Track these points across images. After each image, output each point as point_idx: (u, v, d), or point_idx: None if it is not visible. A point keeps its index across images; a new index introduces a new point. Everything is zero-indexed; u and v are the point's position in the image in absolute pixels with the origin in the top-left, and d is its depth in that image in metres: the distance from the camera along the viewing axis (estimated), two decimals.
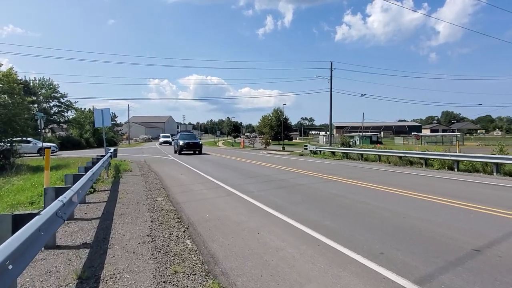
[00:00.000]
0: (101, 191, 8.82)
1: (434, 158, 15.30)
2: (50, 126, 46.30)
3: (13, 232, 2.85)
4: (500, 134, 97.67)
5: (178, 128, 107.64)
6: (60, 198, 4.10)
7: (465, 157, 13.82)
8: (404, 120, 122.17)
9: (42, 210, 3.48)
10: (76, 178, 6.43)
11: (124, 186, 9.59)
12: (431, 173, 12.90)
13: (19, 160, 16.46)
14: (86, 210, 6.49)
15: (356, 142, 42.98)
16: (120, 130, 68.37)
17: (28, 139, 22.46)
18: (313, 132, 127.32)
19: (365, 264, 3.63)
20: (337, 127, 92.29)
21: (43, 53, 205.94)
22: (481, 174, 12.90)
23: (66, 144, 36.96)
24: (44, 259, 3.95)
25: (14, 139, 16.29)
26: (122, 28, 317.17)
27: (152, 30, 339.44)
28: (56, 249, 4.27)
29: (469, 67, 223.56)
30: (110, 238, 4.75)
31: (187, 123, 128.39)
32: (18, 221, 3.21)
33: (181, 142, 24.50)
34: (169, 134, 59.71)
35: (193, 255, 4.08)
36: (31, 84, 42.21)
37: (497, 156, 13.12)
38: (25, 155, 20.61)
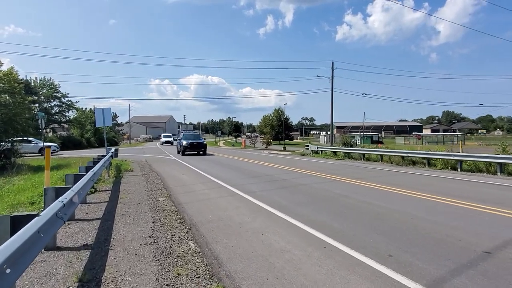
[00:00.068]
0: (102, 191, 8.73)
1: (437, 158, 15.17)
2: (51, 126, 46.28)
3: (12, 234, 2.76)
4: (501, 134, 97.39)
5: (179, 128, 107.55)
6: (60, 198, 4.01)
7: (469, 157, 13.70)
8: (405, 120, 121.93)
9: (41, 211, 3.39)
10: (77, 178, 6.35)
11: (125, 186, 9.50)
12: (434, 173, 12.78)
13: (20, 160, 16.39)
14: (87, 211, 6.40)
15: (357, 142, 42.84)
16: (121, 130, 68.30)
17: (29, 138, 22.39)
18: (313, 132, 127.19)
19: (374, 266, 3.53)
20: (338, 127, 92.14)
21: (44, 52, 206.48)
22: (485, 174, 12.78)
23: (67, 144, 36.93)
24: (44, 261, 3.86)
25: (15, 138, 16.23)
26: (122, 28, 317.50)
27: (153, 30, 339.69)
28: (57, 251, 4.18)
29: (470, 67, 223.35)
30: (112, 239, 4.66)
31: (188, 123, 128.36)
32: (17, 223, 3.12)
33: (184, 142, 23.56)
34: (170, 134, 59.49)
35: (196, 257, 3.98)
36: (32, 84, 42.16)
37: (501, 156, 12.99)
38: (26, 155, 20.55)
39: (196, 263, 3.78)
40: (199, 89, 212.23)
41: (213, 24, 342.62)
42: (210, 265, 3.74)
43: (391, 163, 17.35)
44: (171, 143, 49.14)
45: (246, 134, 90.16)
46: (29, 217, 3.15)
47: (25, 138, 19.51)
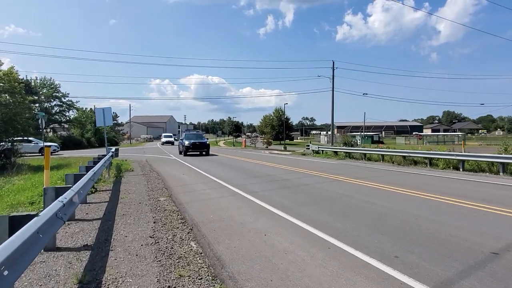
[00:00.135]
0: (102, 191, 8.67)
1: (439, 158, 15.10)
2: (51, 126, 46.23)
3: (10, 235, 2.70)
4: (502, 134, 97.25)
5: (179, 128, 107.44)
6: (60, 198, 3.94)
7: (471, 156, 13.62)
8: (406, 120, 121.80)
9: (40, 211, 3.32)
10: (77, 177, 6.28)
11: (126, 186, 9.44)
12: (436, 173, 12.71)
13: (20, 159, 16.35)
14: (87, 211, 6.34)
15: (358, 142, 42.76)
16: (122, 130, 68.28)
17: (30, 138, 22.34)
18: (314, 132, 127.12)
19: (380, 268, 3.46)
20: (338, 127, 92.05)
21: (45, 52, 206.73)
22: (488, 174, 12.70)
23: (68, 143, 36.92)
24: (44, 261, 3.79)
25: (15, 138, 16.18)
26: (123, 28, 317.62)
27: (153, 30, 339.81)
28: (56, 251, 4.12)
29: (470, 67, 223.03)
30: (112, 239, 4.59)
31: (188, 123, 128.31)
32: (16, 223, 3.05)
33: (186, 142, 22.61)
34: (171, 134, 59.26)
35: (198, 258, 3.91)
36: (33, 84, 42.12)
37: (503, 156, 12.92)
38: (27, 154, 20.51)
39: (198, 264, 3.72)
40: (200, 89, 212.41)
41: (213, 24, 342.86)
42: (213, 266, 3.67)
43: (393, 163, 17.28)
44: (172, 143, 48.96)
45: (247, 134, 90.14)
46: (28, 217, 3.09)
47: (25, 138, 19.46)
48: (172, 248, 4.27)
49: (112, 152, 14.08)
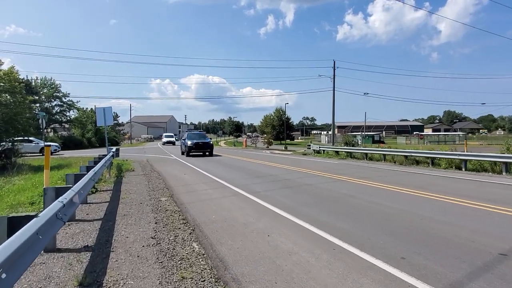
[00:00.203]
0: (103, 191, 8.61)
1: (441, 158, 15.01)
2: (52, 126, 46.20)
3: (9, 236, 2.63)
4: (502, 133, 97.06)
5: (180, 128, 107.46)
6: (60, 198, 3.87)
7: (474, 156, 13.53)
8: (406, 120, 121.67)
9: (40, 212, 3.25)
10: (77, 177, 6.21)
11: (127, 186, 9.38)
12: (439, 173, 12.62)
13: (20, 159, 16.29)
14: (88, 211, 6.27)
15: (358, 141, 42.70)
16: (122, 129, 68.27)
17: (30, 138, 22.30)
18: (314, 131, 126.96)
19: (387, 270, 3.38)
20: (339, 127, 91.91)
21: (45, 52, 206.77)
22: (490, 173, 12.61)
23: (68, 143, 36.87)
24: (44, 263, 3.73)
25: (16, 138, 16.12)
26: (123, 28, 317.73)
27: (153, 30, 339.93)
28: (56, 252, 4.05)
29: (471, 67, 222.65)
30: (113, 240, 4.52)
31: (189, 123, 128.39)
32: (15, 224, 2.98)
33: (189, 143, 21.78)
34: (172, 134, 59.02)
35: (200, 259, 3.84)
36: (33, 84, 42.10)
37: (506, 155, 12.83)
38: (27, 154, 20.47)
39: (201, 266, 3.64)
40: (200, 89, 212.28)
41: (213, 24, 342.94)
42: (216, 268, 3.60)
43: (394, 162, 17.19)
44: (173, 143, 48.73)
45: (247, 134, 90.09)
46: (28, 218, 3.02)
47: (26, 138, 19.41)
48: (174, 249, 4.20)
49: (113, 152, 14.02)
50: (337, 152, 23.39)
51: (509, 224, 5.20)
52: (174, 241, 4.51)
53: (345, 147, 24.17)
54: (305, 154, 26.43)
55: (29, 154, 21.73)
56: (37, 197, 7.16)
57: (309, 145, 28.72)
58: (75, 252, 4.08)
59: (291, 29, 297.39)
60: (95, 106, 47.50)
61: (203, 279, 3.30)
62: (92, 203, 7.03)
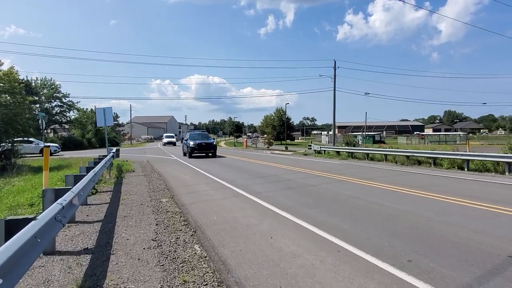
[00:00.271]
0: (103, 192, 8.53)
1: (443, 158, 14.93)
2: (52, 127, 46.14)
3: (7, 239, 2.55)
4: (503, 133, 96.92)
5: (180, 128, 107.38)
6: (59, 200, 3.80)
7: (476, 156, 13.44)
8: (407, 120, 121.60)
9: (38, 215, 3.17)
10: (77, 178, 6.14)
11: (127, 187, 9.30)
12: (441, 173, 12.53)
13: (20, 160, 16.22)
14: (87, 212, 6.20)
15: (359, 141, 42.63)
16: (122, 130, 68.21)
17: (30, 139, 22.22)
18: (315, 132, 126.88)
19: (394, 273, 3.30)
20: (339, 127, 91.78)
21: (45, 52, 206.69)
22: (493, 173, 12.52)
23: (68, 144, 36.82)
24: (43, 266, 3.65)
25: (16, 139, 16.05)
26: (123, 28, 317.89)
27: (153, 30, 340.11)
28: (56, 255, 3.98)
29: (471, 67, 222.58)
30: (113, 242, 4.44)
31: (189, 123, 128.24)
32: (12, 227, 2.91)
33: (191, 143, 21.05)
34: (173, 134, 58.73)
35: (202, 262, 3.76)
36: (33, 84, 42.04)
37: (509, 155, 12.73)
38: (27, 155, 20.40)
39: (203, 269, 3.56)
40: (200, 89, 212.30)
41: (213, 24, 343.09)
42: (218, 271, 3.52)
43: (396, 162, 17.11)
44: (174, 143, 48.50)
45: (248, 134, 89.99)
46: (26, 221, 2.95)
47: (26, 139, 19.34)
48: (175, 251, 4.12)
49: (113, 152, 13.95)
50: (338, 152, 23.31)
51: None
52: (176, 243, 4.43)
53: (346, 147, 24.08)
54: (306, 155, 26.34)
55: (29, 155, 21.65)
56: (36, 198, 7.08)
57: (310, 145, 28.64)
58: (75, 254, 4.00)
59: (291, 29, 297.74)
60: (95, 106, 47.56)
61: (205, 283, 3.22)
62: (92, 204, 6.96)
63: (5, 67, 17.42)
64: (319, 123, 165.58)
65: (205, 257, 3.94)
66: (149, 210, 6.38)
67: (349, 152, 21.95)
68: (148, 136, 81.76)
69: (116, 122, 58.56)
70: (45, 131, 25.52)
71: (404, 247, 4.09)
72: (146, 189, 8.94)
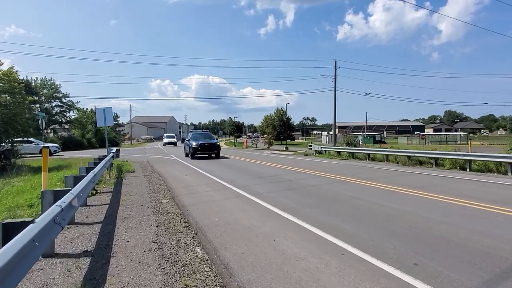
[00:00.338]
0: (103, 192, 8.46)
1: (445, 158, 14.85)
2: (52, 127, 46.06)
3: (4, 243, 2.48)
4: (504, 133, 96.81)
5: (180, 129, 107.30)
6: (58, 203, 3.72)
7: (478, 156, 13.36)
8: (407, 120, 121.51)
9: (37, 218, 3.10)
10: (77, 179, 6.07)
11: (127, 188, 9.23)
12: (443, 173, 12.46)
13: (20, 160, 16.15)
14: (87, 214, 6.13)
15: (360, 141, 42.54)
16: (122, 130, 68.11)
17: (30, 139, 22.16)
18: (315, 132, 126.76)
19: (400, 277, 3.23)
20: (339, 127, 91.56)
21: (45, 52, 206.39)
22: (496, 174, 12.45)
23: (68, 144, 36.75)
24: (41, 269, 3.58)
25: (15, 139, 15.98)
26: (123, 28, 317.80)
27: (153, 30, 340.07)
28: (55, 258, 3.91)
29: (472, 66, 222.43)
30: (113, 245, 4.37)
31: (189, 123, 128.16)
32: (10, 230, 2.83)
33: (194, 144, 20.10)
34: (174, 134, 58.19)
35: (204, 266, 3.69)
36: (33, 84, 41.96)
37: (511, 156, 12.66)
38: (27, 155, 20.33)
39: (205, 273, 3.49)
40: (200, 89, 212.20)
41: (213, 24, 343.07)
42: (220, 275, 3.45)
43: (397, 163, 17.03)
44: (174, 143, 48.11)
45: (248, 134, 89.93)
46: (24, 224, 2.87)
47: (25, 139, 19.27)
48: (176, 254, 4.05)
49: (113, 153, 13.89)
50: (339, 152, 23.23)
51: None
52: (177, 245, 4.36)
53: (347, 148, 24.01)
54: (306, 155, 26.27)
55: (29, 155, 21.59)
56: (36, 199, 7.01)
57: (311, 146, 28.57)
58: (74, 257, 3.93)
59: (292, 29, 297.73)
60: (95, 106, 47.49)
61: (207, 287, 3.15)
62: (92, 205, 6.89)
63: (5, 67, 17.37)
64: (319, 123, 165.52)
65: (207, 260, 3.86)
66: (150, 211, 6.31)
67: (350, 152, 21.87)
68: (148, 136, 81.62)
69: (116, 122, 58.48)
70: (45, 131, 25.46)
71: (409, 250, 4.02)
72: (147, 190, 8.86)
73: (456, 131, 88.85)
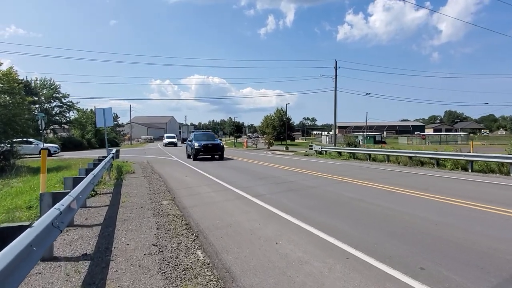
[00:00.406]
0: (103, 194, 8.39)
1: (446, 158, 14.78)
2: (51, 127, 46.00)
3: (1, 248, 2.41)
4: (504, 133, 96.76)
5: (180, 129, 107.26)
6: (56, 205, 3.65)
7: (480, 157, 13.29)
8: (407, 120, 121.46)
9: (34, 221, 3.03)
10: (76, 181, 6.00)
11: (127, 189, 9.15)
12: (445, 174, 12.39)
13: (19, 161, 16.08)
14: (86, 216, 6.05)
15: (360, 142, 42.47)
16: (122, 130, 68.02)
17: (30, 140, 22.09)
18: (315, 132, 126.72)
19: (406, 282, 3.15)
20: (340, 127, 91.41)
21: (45, 53, 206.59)
22: (498, 174, 12.37)
23: (68, 145, 36.68)
24: (40, 273, 3.50)
25: (15, 140, 15.90)
26: (123, 28, 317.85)
27: (153, 30, 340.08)
28: (53, 261, 3.83)
29: (472, 66, 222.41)
30: (113, 248, 4.30)
31: (189, 124, 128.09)
32: (7, 235, 2.76)
33: (196, 144, 19.19)
34: (174, 135, 57.88)
35: (206, 270, 3.61)
36: (33, 85, 41.90)
37: None
38: (27, 156, 20.25)
39: (207, 277, 3.42)
40: (200, 90, 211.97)
41: (213, 24, 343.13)
42: (222, 279, 3.37)
43: (398, 163, 16.96)
44: (175, 144, 47.87)
45: (248, 134, 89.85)
46: (21, 228, 2.80)
47: (25, 139, 19.19)
48: (177, 257, 3.97)
49: (113, 153, 13.82)
50: (339, 153, 23.15)
51: None
52: (177, 248, 4.29)
53: (348, 148, 23.93)
54: (307, 155, 26.19)
55: (29, 156, 21.52)
56: (35, 200, 6.93)
57: (311, 146, 28.48)
58: (73, 261, 3.86)
59: (292, 29, 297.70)
60: (95, 107, 47.37)
61: None
62: (91, 207, 6.81)
63: (4, 67, 17.29)
64: (319, 123, 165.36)
65: (208, 264, 3.79)
66: (150, 213, 6.23)
67: (350, 152, 21.80)
68: (148, 136, 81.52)
69: (116, 123, 58.37)
70: (44, 131, 25.38)
71: (415, 253, 3.94)
72: (147, 191, 8.79)
73: (456, 131, 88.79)
